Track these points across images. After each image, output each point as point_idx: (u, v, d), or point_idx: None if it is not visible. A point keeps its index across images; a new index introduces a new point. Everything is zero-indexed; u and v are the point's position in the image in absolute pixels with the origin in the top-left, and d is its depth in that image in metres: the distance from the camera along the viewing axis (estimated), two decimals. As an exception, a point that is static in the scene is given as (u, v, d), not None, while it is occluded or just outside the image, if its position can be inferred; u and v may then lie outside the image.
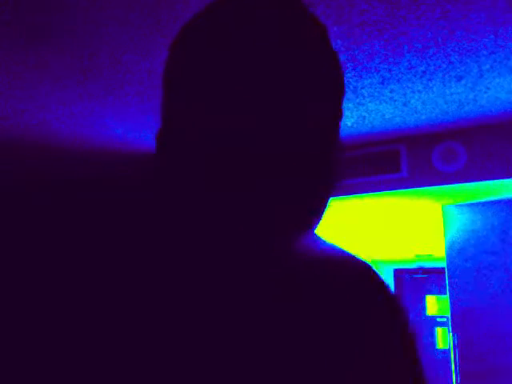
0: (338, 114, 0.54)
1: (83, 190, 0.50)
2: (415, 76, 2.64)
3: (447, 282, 3.61)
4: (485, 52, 2.40)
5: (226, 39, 0.49)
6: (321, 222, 0.54)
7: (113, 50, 2.44)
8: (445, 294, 8.18)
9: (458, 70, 2.58)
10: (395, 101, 2.94)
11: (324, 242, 0.58)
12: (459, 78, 2.66)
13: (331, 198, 3.62)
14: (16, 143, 3.62)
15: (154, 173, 0.53)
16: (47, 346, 0.42)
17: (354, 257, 0.57)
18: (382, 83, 2.72)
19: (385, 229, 5.00)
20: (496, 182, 3.20)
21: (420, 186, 3.37)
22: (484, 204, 3.60)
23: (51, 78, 2.71)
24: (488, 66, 2.53)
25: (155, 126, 3.37)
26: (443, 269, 7.97)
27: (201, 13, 0.53)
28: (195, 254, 0.48)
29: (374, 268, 0.57)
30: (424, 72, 2.60)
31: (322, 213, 0.54)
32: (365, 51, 2.41)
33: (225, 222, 0.48)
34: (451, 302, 3.57)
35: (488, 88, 2.77)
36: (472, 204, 3.64)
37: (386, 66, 2.55)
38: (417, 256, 7.03)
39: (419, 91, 2.81)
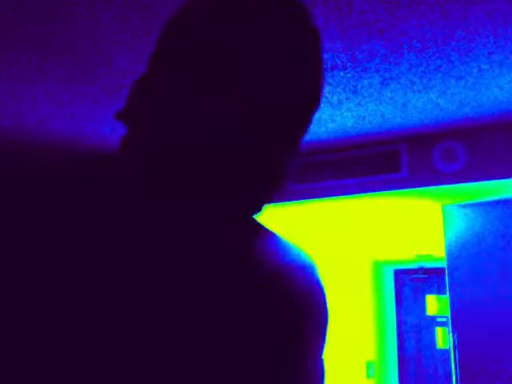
0: (307, 123, 0.55)
1: (80, 187, 0.51)
2: (415, 76, 2.64)
3: (447, 282, 3.60)
4: (485, 52, 2.39)
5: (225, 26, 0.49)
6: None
7: (110, 53, 2.44)
8: (445, 293, 8.18)
9: (458, 70, 2.58)
10: (395, 101, 2.94)
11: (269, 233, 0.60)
12: (459, 78, 2.66)
13: (324, 199, 3.62)
14: (15, 143, 3.62)
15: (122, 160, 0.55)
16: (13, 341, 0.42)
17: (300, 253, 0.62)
18: (382, 83, 2.72)
19: (385, 229, 5.00)
20: (496, 181, 3.20)
21: (420, 186, 3.37)
22: (484, 204, 3.60)
23: (50, 79, 2.71)
24: (488, 66, 2.53)
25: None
26: (443, 269, 7.98)
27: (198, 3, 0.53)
28: (147, 236, 0.49)
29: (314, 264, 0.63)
30: (424, 72, 2.60)
31: (262, 207, 0.56)
32: (365, 51, 2.41)
33: (179, 206, 0.51)
34: (451, 302, 3.57)
35: (488, 88, 2.77)
36: (472, 204, 3.64)
37: (386, 66, 2.55)
38: (417, 256, 7.03)
39: (419, 91, 2.81)
